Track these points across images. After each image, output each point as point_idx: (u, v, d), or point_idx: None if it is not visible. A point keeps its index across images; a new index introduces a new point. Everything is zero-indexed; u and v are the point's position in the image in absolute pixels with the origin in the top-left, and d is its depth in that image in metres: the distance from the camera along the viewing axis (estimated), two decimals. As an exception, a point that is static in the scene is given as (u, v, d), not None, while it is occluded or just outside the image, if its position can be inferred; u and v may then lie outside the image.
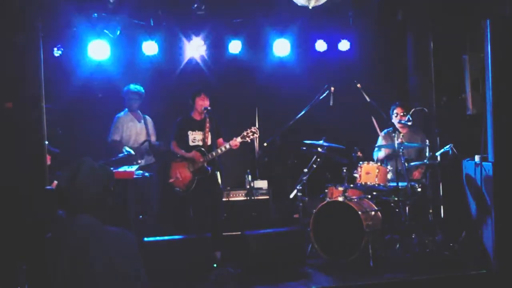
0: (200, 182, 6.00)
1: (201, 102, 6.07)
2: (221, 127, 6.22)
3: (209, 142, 6.06)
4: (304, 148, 6.46)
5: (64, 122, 6.61)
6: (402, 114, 6.41)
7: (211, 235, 5.79)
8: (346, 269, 5.54)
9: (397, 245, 5.79)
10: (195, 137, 6.11)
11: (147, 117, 6.85)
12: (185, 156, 6.06)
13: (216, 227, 5.97)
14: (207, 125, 6.08)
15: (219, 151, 5.94)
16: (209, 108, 6.06)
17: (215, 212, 6.03)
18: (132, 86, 6.68)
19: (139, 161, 6.31)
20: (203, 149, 6.03)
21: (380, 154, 6.55)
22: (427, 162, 6.09)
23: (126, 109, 6.74)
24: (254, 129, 5.95)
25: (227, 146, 5.93)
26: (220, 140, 6.13)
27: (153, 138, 6.77)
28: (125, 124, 6.66)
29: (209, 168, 5.95)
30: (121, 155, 5.96)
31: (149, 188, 6.41)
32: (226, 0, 6.69)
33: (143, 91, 6.74)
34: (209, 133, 6.06)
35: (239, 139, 5.91)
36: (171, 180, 6.09)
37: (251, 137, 5.94)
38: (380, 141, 6.62)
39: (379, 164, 6.11)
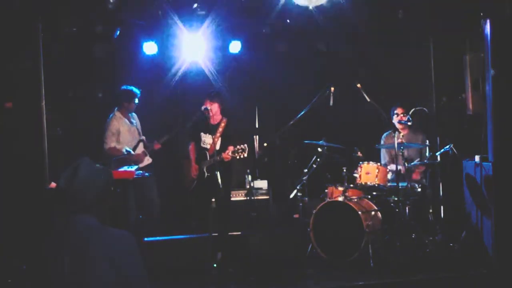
0: (200, 184, 6.03)
1: (207, 106, 6.06)
2: (236, 135, 6.11)
3: (217, 147, 5.99)
4: (306, 145, 6.44)
5: (64, 122, 6.61)
6: (402, 114, 6.41)
7: (213, 235, 5.79)
8: (346, 269, 5.54)
9: (397, 245, 5.78)
10: (205, 140, 6.12)
11: (134, 114, 6.51)
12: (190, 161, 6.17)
13: (220, 227, 5.98)
14: (219, 129, 6.03)
15: (212, 160, 5.91)
16: (206, 107, 6.04)
17: (219, 213, 6.04)
18: (136, 89, 6.41)
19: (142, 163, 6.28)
20: (207, 153, 6.04)
21: (384, 160, 6.52)
22: (427, 162, 6.08)
23: (116, 109, 6.33)
24: (244, 146, 5.86)
25: (219, 158, 5.89)
26: (231, 147, 6.03)
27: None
28: (120, 127, 6.29)
29: (206, 173, 6.00)
30: (121, 155, 5.96)
31: (149, 188, 6.40)
32: (226, 0, 6.69)
33: None
34: (220, 138, 6.02)
35: (230, 153, 5.86)
36: (182, 173, 6.30)
37: (240, 154, 5.84)
38: (383, 143, 6.63)
39: (379, 164, 6.11)
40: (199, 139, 6.14)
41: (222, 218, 6.06)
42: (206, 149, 6.08)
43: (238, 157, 5.75)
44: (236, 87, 7.65)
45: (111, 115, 6.32)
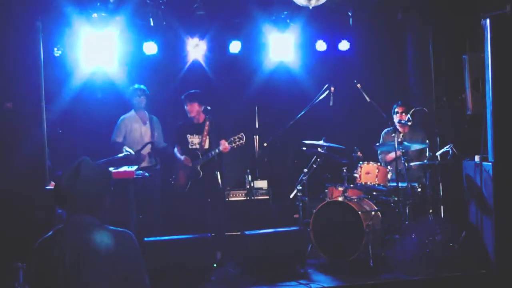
0: (195, 184, 6.03)
1: (188, 108, 6.10)
2: (224, 129, 6.17)
3: (206, 145, 6.07)
4: (304, 148, 6.45)
5: (64, 122, 6.60)
6: (401, 113, 6.38)
7: (211, 235, 5.79)
8: (346, 269, 5.54)
9: (397, 245, 5.78)
10: (193, 141, 6.15)
11: (154, 118, 6.74)
12: (179, 160, 6.12)
13: (217, 227, 5.98)
14: (206, 128, 6.07)
15: (209, 155, 5.94)
16: (208, 108, 6.05)
17: (216, 212, 6.05)
18: (137, 85, 6.64)
19: (142, 164, 6.30)
20: (198, 152, 6.06)
21: (388, 156, 6.49)
22: (427, 162, 6.08)
23: (133, 110, 6.68)
24: (241, 135, 5.91)
25: (217, 150, 5.91)
26: (223, 141, 6.06)
27: (160, 140, 6.68)
28: (129, 125, 6.58)
29: (201, 172, 5.99)
30: (120, 155, 5.96)
31: (149, 188, 6.40)
32: (226, 0, 6.68)
33: (147, 90, 6.73)
34: (207, 136, 6.06)
35: (227, 144, 5.89)
36: (171, 180, 6.24)
37: (237, 143, 5.90)
38: (382, 140, 6.61)
39: (379, 164, 6.10)
40: (186, 142, 6.17)
41: (219, 217, 6.07)
42: (196, 149, 6.10)
43: (235, 146, 5.91)
44: (236, 87, 7.65)
45: (126, 114, 6.66)
